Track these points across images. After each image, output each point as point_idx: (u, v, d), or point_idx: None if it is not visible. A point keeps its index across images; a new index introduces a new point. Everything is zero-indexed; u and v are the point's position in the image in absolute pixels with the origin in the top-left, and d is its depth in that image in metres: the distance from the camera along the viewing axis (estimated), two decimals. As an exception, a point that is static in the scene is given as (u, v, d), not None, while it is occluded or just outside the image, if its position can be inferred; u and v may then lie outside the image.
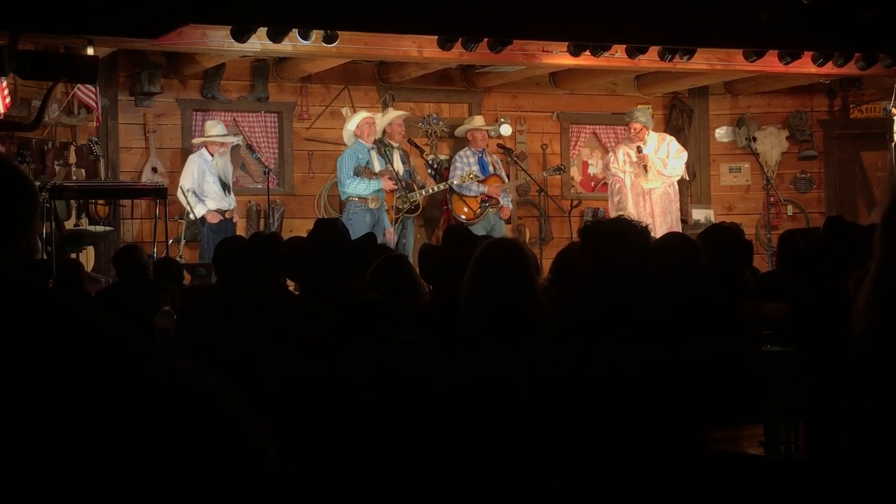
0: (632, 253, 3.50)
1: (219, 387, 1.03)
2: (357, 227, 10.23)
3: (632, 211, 11.82)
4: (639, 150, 11.94)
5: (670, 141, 12.27)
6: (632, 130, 12.04)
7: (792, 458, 3.21)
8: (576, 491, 3.29)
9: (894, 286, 2.53)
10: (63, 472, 0.93)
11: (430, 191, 11.84)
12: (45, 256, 9.06)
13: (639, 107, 12.62)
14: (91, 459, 0.94)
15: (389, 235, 10.96)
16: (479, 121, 12.27)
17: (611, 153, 12.42)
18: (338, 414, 3.51)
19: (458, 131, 12.50)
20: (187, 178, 10.89)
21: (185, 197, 10.80)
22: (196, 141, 11.21)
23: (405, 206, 11.20)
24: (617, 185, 12.09)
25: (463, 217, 11.73)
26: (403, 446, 3.52)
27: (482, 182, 11.90)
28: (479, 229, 11.16)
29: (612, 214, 11.83)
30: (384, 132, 11.45)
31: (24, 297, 1.03)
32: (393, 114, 11.62)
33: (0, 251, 1.14)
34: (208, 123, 11.32)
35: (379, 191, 11.06)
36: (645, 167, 11.94)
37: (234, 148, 11.79)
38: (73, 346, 1.00)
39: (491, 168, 12.06)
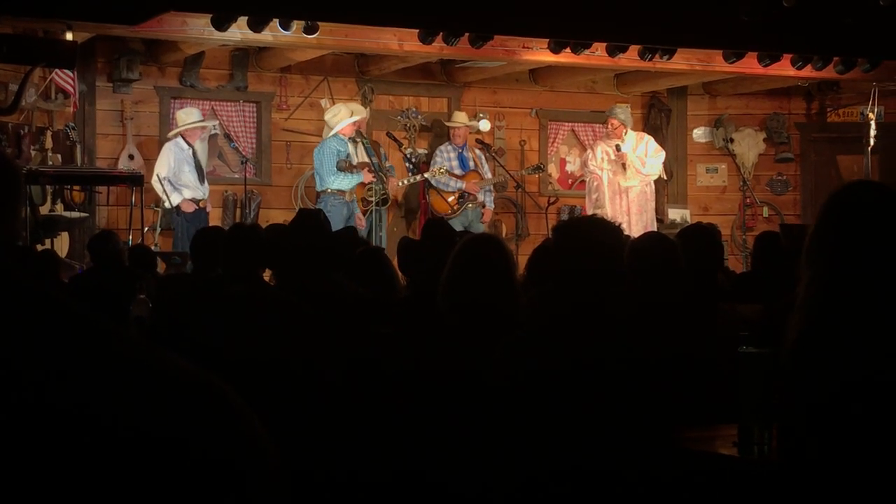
0: (604, 253, 3.49)
1: (219, 384, 1.03)
2: (335, 220, 10.24)
3: (608, 209, 11.85)
4: (617, 148, 11.96)
5: (649, 140, 12.30)
6: (610, 127, 12.06)
7: (765, 459, 3.22)
8: (548, 489, 3.30)
9: (824, 304, 2.69)
10: (61, 473, 0.93)
11: (403, 182, 11.84)
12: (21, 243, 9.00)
13: (618, 104, 12.64)
14: (89, 460, 0.93)
15: (361, 222, 10.98)
16: (460, 117, 12.26)
17: (589, 150, 12.44)
18: (313, 408, 3.50)
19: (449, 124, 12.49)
20: (163, 167, 10.83)
21: (161, 185, 10.75)
22: (174, 133, 11.12)
23: (374, 198, 11.20)
24: (594, 183, 12.11)
25: (440, 212, 11.73)
26: (380, 441, 3.52)
27: (460, 178, 11.91)
28: (456, 225, 11.16)
29: (590, 211, 11.87)
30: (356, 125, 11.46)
31: (13, 296, 1.02)
32: (361, 110, 11.62)
33: None
34: (182, 113, 11.21)
35: (360, 183, 11.11)
36: (623, 165, 11.97)
37: (212, 137, 11.75)
38: (67, 344, 0.99)
39: (471, 164, 12.08)
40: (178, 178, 10.81)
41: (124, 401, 0.97)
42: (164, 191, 10.72)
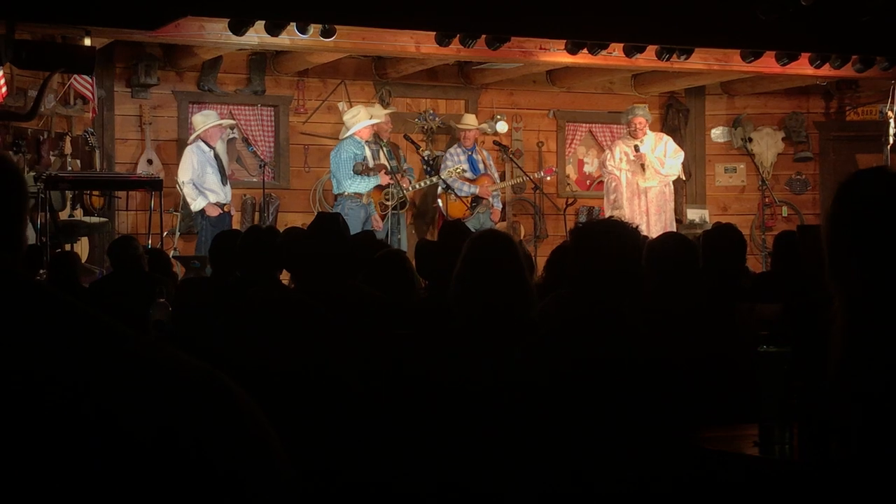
0: (622, 255, 3.47)
1: (226, 382, 1.03)
2: (352, 223, 10.28)
3: (626, 209, 11.83)
4: (636, 148, 11.93)
5: (667, 140, 12.26)
6: (635, 126, 11.98)
7: (787, 458, 3.21)
8: (567, 492, 3.29)
9: (865, 323, 2.51)
10: (72, 472, 0.93)
11: (420, 185, 11.85)
12: (38, 244, 9.04)
13: (637, 104, 12.61)
14: (93, 456, 0.94)
15: (378, 224, 10.99)
16: (470, 119, 12.26)
17: (607, 151, 12.40)
18: (331, 410, 3.50)
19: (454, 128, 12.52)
20: (186, 170, 10.85)
21: (184, 189, 10.79)
22: (194, 136, 11.13)
23: (391, 201, 11.21)
24: (613, 184, 12.08)
25: (452, 216, 11.71)
26: (397, 443, 3.51)
27: (473, 182, 11.91)
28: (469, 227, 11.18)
29: (608, 212, 11.85)
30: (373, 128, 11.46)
31: (23, 297, 1.03)
32: (380, 111, 11.63)
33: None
34: (199, 116, 11.21)
35: (377, 186, 11.12)
36: (642, 165, 11.94)
37: (230, 140, 11.77)
38: (76, 344, 1.00)
39: (481, 166, 12.07)
40: (202, 180, 10.83)
41: (126, 396, 0.97)
42: (189, 194, 10.77)
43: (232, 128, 11.72)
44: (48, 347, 0.99)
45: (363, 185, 11.06)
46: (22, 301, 1.03)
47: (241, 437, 1.00)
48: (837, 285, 2.56)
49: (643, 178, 11.96)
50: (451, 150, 12.17)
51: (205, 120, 11.05)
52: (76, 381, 0.97)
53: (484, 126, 12.44)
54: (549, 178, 12.87)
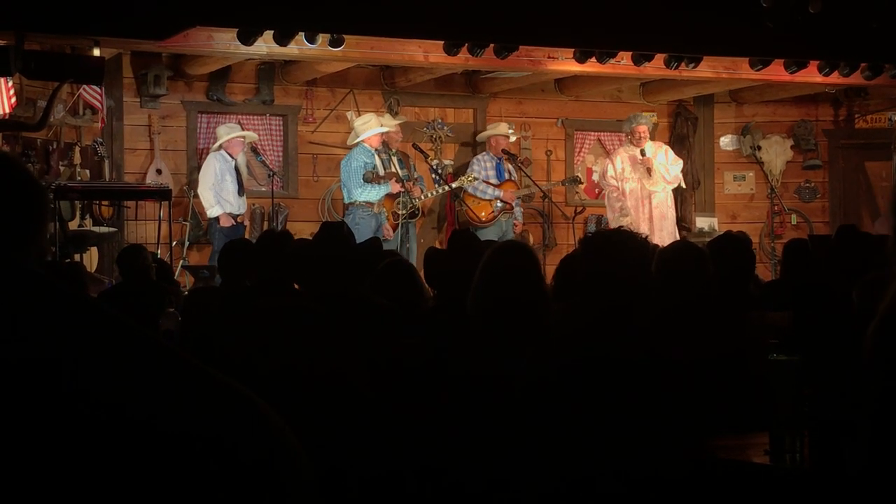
0: (631, 264, 3.48)
1: (249, 393, 1.04)
2: (363, 232, 10.32)
3: (633, 215, 11.84)
4: (642, 153, 11.95)
5: (667, 149, 12.33)
6: (639, 134, 12.00)
7: (798, 466, 3.20)
8: (577, 496, 3.28)
9: None
10: (101, 469, 0.94)
11: (431, 194, 11.85)
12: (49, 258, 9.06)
13: (642, 113, 12.60)
14: (129, 459, 0.94)
15: (389, 233, 11.00)
16: (503, 128, 12.28)
17: (607, 162, 12.37)
18: (342, 418, 3.50)
19: (482, 136, 12.51)
20: (209, 176, 10.92)
21: (203, 195, 10.87)
22: (217, 145, 11.16)
23: (404, 211, 11.22)
24: (615, 194, 12.07)
25: (475, 220, 11.73)
26: (408, 451, 3.51)
27: (497, 187, 11.93)
28: (490, 234, 11.20)
29: (614, 221, 11.85)
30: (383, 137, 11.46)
31: (55, 301, 1.03)
32: (391, 121, 11.64)
33: (14, 253, 1.14)
34: (223, 127, 11.32)
35: (388, 194, 11.14)
36: (648, 170, 11.95)
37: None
38: (107, 350, 1.00)
39: (507, 174, 12.09)
40: (220, 189, 10.88)
41: (164, 402, 0.98)
42: (208, 200, 10.84)
43: (253, 141, 11.75)
44: (81, 357, 0.99)
45: (374, 194, 11.08)
46: (49, 305, 1.03)
47: (267, 443, 1.01)
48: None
49: (650, 181, 11.96)
50: (479, 156, 12.19)
51: (229, 131, 11.14)
52: (108, 386, 0.98)
53: (512, 135, 12.43)
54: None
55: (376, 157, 11.26)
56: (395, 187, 11.14)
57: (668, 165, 12.05)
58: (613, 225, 11.68)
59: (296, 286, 5.63)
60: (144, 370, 1.01)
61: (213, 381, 1.04)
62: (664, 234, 11.58)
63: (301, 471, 1.03)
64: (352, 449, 3.41)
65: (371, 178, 11.04)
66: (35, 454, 0.94)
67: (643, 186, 11.98)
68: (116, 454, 0.95)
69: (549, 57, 10.87)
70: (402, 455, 3.46)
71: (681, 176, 12.30)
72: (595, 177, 13.70)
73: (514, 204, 11.97)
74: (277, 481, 1.01)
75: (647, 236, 3.69)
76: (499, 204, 11.88)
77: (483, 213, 11.83)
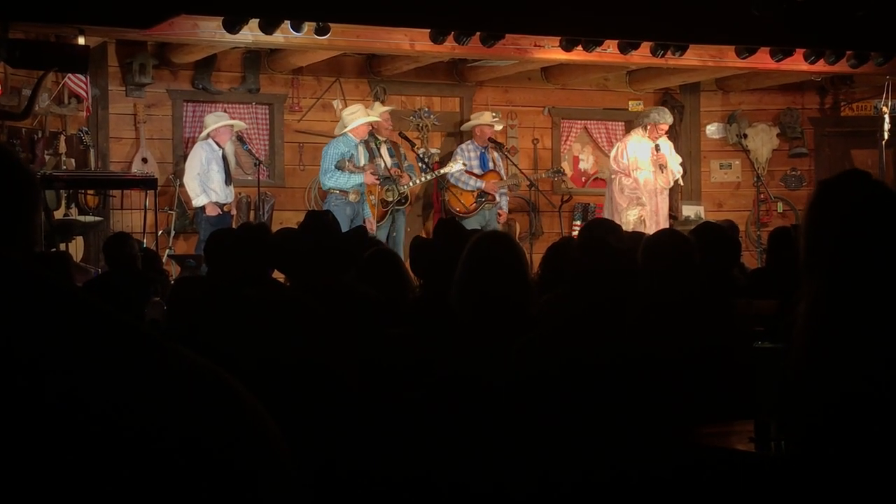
0: (627, 258, 3.50)
1: (230, 381, 1.03)
2: (338, 220, 10.25)
3: (648, 208, 11.78)
4: (657, 148, 11.93)
5: (671, 144, 12.30)
6: (660, 131, 11.95)
7: (782, 454, 3.20)
8: (564, 489, 3.29)
9: (824, 323, 2.57)
10: (75, 469, 0.93)
11: (417, 181, 11.83)
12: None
13: (655, 107, 12.55)
14: (98, 455, 0.93)
15: (371, 225, 10.96)
16: (487, 117, 12.24)
17: (619, 148, 12.19)
18: (327, 409, 3.50)
19: (466, 126, 12.48)
20: (195, 165, 10.88)
21: (188, 184, 10.83)
22: (204, 133, 11.12)
23: (393, 198, 11.20)
24: (630, 183, 11.94)
25: (458, 210, 11.71)
26: (393, 442, 3.51)
27: (480, 177, 11.90)
28: (473, 223, 11.17)
29: (624, 212, 11.74)
30: (371, 127, 11.43)
31: (33, 291, 1.03)
32: (379, 109, 11.60)
33: (4, 243, 1.13)
34: (211, 116, 11.26)
35: (360, 185, 11.05)
36: (661, 166, 11.94)
37: (228, 139, 11.78)
38: (83, 339, 1.00)
39: (491, 164, 12.07)
40: (206, 178, 10.85)
41: (134, 395, 0.97)
42: (194, 189, 10.80)
43: (240, 130, 11.70)
44: (55, 342, 0.99)
45: (343, 181, 10.99)
46: (27, 294, 1.03)
47: (244, 436, 1.01)
48: (809, 277, 2.63)
49: (662, 178, 11.95)
50: (463, 146, 12.14)
51: (217, 119, 11.11)
52: (78, 377, 0.97)
53: (497, 125, 12.36)
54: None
55: (360, 147, 11.22)
56: (368, 178, 11.05)
57: (674, 162, 12.08)
58: (620, 214, 11.64)
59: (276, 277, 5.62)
60: (126, 362, 1.00)
61: (197, 371, 1.03)
62: (663, 224, 11.57)
63: (281, 465, 1.02)
64: (337, 440, 3.41)
65: (343, 165, 10.98)
66: (4, 448, 0.93)
67: (656, 179, 11.95)
68: (94, 449, 0.94)
69: (535, 45, 10.87)
70: (388, 448, 3.46)
71: (681, 169, 12.31)
72: (582, 165, 13.69)
73: (497, 194, 11.93)
74: (259, 476, 1.00)
75: (639, 232, 3.70)
76: (480, 195, 11.86)
77: (466, 203, 11.82)
